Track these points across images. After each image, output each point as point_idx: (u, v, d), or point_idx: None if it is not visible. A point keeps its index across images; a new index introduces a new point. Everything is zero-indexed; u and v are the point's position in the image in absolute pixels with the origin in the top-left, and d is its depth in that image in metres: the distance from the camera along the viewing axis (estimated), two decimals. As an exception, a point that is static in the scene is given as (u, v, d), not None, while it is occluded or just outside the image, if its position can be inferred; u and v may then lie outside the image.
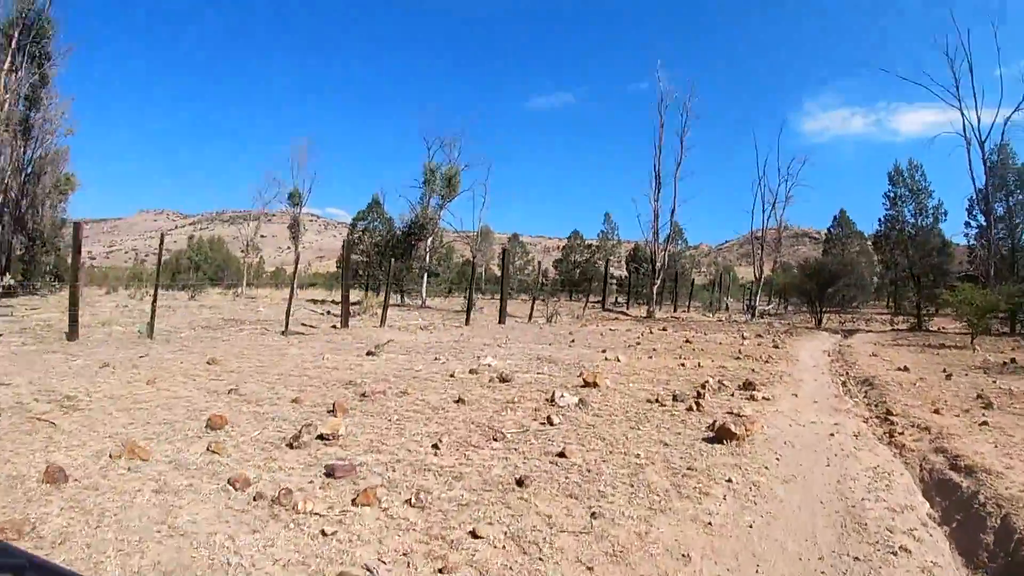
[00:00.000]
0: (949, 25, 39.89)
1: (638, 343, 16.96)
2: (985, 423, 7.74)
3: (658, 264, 33.83)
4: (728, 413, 7.61)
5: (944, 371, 13.06)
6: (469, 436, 6.12)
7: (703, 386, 9.45)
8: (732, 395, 9.14)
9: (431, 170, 37.76)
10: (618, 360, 12.55)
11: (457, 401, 7.69)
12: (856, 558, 4.17)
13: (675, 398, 8.49)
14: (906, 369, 13.08)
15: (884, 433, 7.63)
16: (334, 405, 6.90)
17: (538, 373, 10.64)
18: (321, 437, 5.69)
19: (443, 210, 38.31)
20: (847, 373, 13.05)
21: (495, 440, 6.00)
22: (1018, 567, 4.31)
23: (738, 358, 14.07)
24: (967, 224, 33.12)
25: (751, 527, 4.44)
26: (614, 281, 56.48)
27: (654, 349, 15.43)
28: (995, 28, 32.73)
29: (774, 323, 30.63)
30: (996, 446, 6.62)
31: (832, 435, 7.14)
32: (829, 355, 17.19)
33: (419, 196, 37.77)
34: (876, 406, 9.37)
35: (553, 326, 24.04)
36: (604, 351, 14.29)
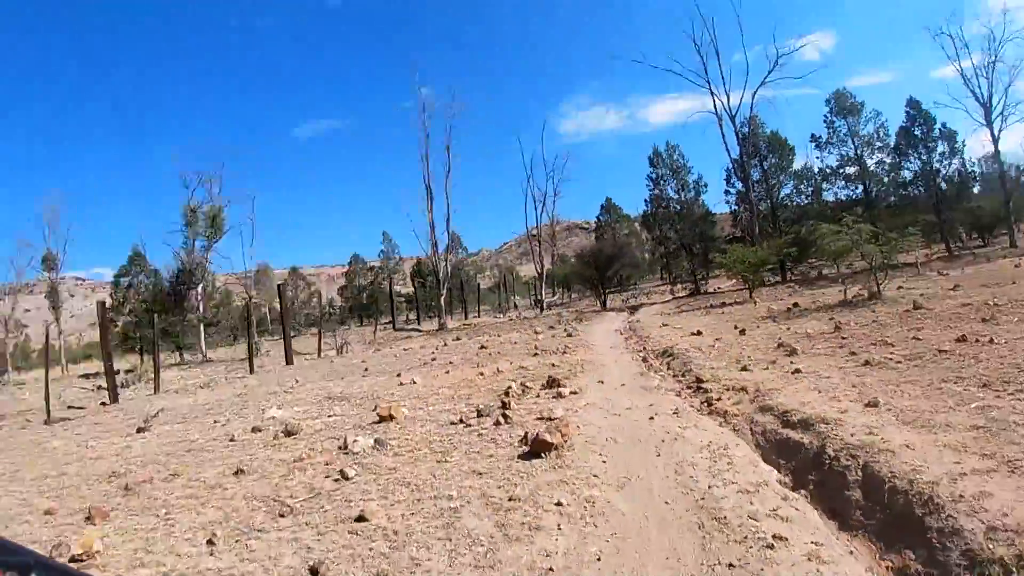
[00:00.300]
0: (695, 16, 43.06)
1: (433, 359, 15.95)
2: (798, 370, 7.52)
3: (441, 275, 33.09)
4: (539, 419, 6.75)
5: (736, 327, 13.27)
6: (252, 517, 4.75)
7: (507, 393, 8.59)
8: (538, 396, 8.36)
9: (192, 210, 34.37)
10: (414, 382, 11.43)
11: (236, 472, 6.19)
12: (731, 564, 3.37)
13: (480, 413, 7.53)
14: (699, 333, 13.11)
15: (702, 403, 7.15)
16: (90, 511, 5.23)
17: (329, 417, 9.25)
18: (75, 560, 4.12)
19: (210, 252, 35.21)
20: (645, 348, 12.86)
21: (282, 516, 4.69)
22: (902, 518, 3.74)
23: (536, 354, 13.48)
24: (727, 192, 35.67)
25: (599, 560, 3.53)
26: (402, 299, 55.38)
27: (450, 362, 14.49)
28: (738, 14, 36.78)
29: (563, 313, 30.92)
30: (819, 392, 6.29)
31: (652, 419, 6.49)
32: (622, 334, 17.18)
33: (182, 241, 34.42)
34: (684, 375, 9.01)
35: (345, 356, 22.53)
36: (399, 375, 13.13)
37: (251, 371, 21.02)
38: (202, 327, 34.14)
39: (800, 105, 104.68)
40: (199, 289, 34.82)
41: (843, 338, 9.66)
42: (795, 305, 15.84)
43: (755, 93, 32.41)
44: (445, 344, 21.03)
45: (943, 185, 32.87)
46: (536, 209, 40.60)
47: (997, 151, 32.34)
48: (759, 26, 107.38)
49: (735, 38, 59.86)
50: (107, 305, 20.26)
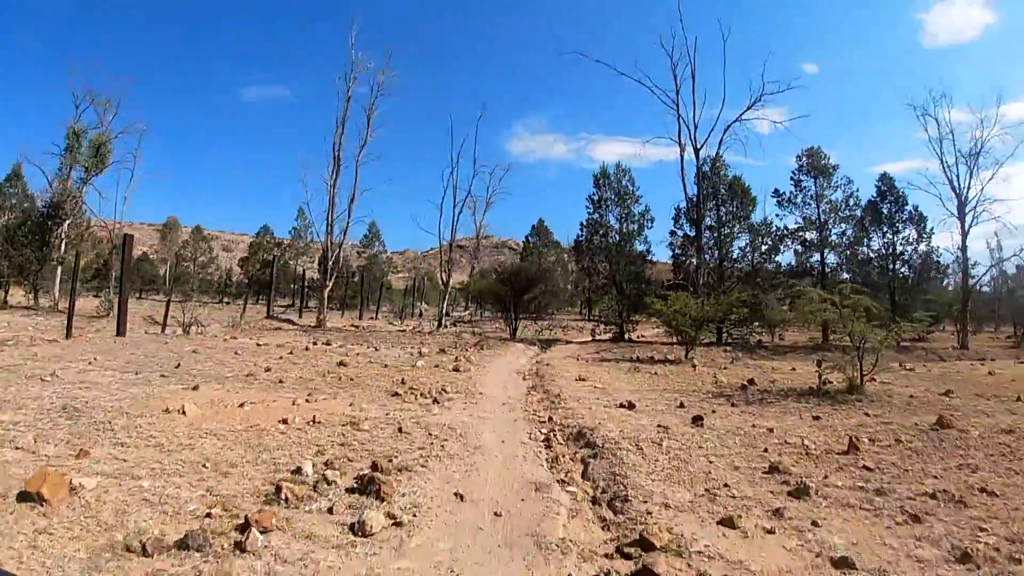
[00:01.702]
0: (677, 30, 37.46)
1: (268, 369, 11.75)
2: (845, 561, 3.68)
3: (331, 262, 27.94)
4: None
5: (681, 405, 9.51)
6: None
7: (278, 490, 4.50)
8: (329, 512, 4.28)
9: (76, 134, 28.92)
10: (182, 413, 7.22)
11: None
12: None
13: (184, 543, 3.50)
14: (631, 406, 9.21)
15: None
16: None
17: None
18: None
19: (88, 186, 30.12)
20: (551, 418, 8.74)
21: None
22: None
23: (396, 394, 9.42)
24: (672, 233, 30.82)
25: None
26: (308, 285, 50.78)
27: (280, 381, 10.34)
28: (724, 38, 33.31)
29: (464, 333, 26.77)
30: None
31: None
32: (524, 379, 13.24)
33: (58, 168, 29.02)
34: (614, 506, 4.97)
35: (188, 339, 18.02)
36: (196, 387, 9.03)
37: (68, 335, 16.62)
38: (59, 271, 28.87)
39: (752, 173, 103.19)
40: (65, 226, 29.38)
41: (868, 469, 5.91)
42: (751, 382, 12.20)
43: (728, 128, 28.63)
44: (307, 347, 16.78)
45: (904, 270, 30.00)
46: (454, 208, 34.38)
47: (964, 246, 29.93)
48: (732, 72, 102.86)
49: (710, 70, 56.11)
50: None
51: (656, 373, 14.21)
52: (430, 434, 6.76)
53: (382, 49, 61.46)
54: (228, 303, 46.18)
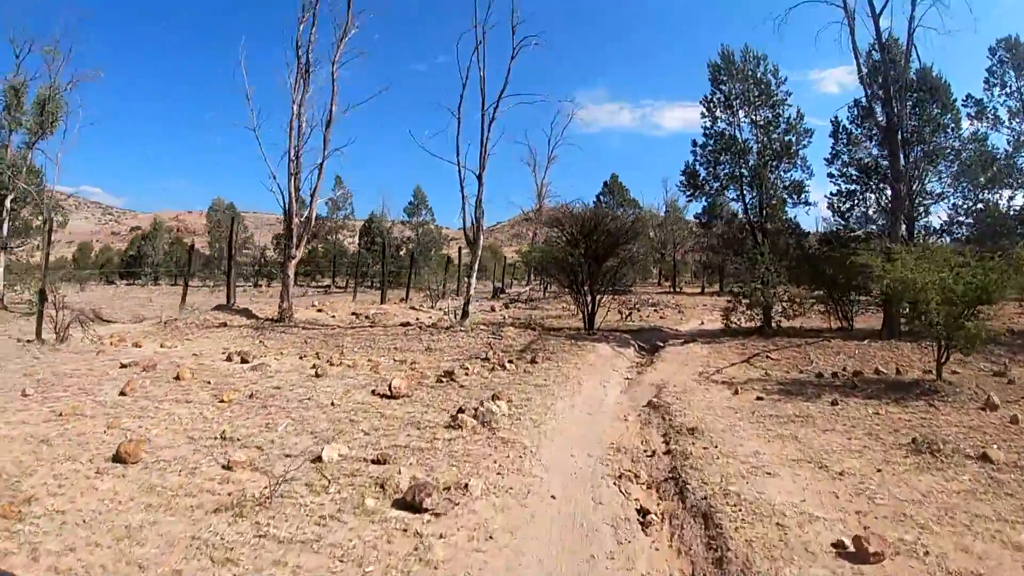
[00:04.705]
0: None
1: None
2: None
3: (295, 225, 17.12)
4: None
5: None
6: None
7: None
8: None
9: (14, 88, 22.66)
10: None
11: None
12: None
13: None
14: None
15: None
16: None
17: None
18: None
19: (32, 151, 23.58)
20: None
21: None
22: None
23: None
24: (832, 157, 18.42)
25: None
26: (344, 261, 47.03)
27: None
28: None
29: (508, 326, 15.60)
30: None
31: None
32: (652, 515, 4.72)
33: None
34: None
35: (53, 350, 10.51)
36: None
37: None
38: (1, 258, 22.75)
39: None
40: (8, 201, 22.35)
41: None
42: None
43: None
44: (177, 376, 8.40)
45: None
46: (484, 111, 17.23)
47: None
48: None
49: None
50: None
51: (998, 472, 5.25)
52: None
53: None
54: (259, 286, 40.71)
